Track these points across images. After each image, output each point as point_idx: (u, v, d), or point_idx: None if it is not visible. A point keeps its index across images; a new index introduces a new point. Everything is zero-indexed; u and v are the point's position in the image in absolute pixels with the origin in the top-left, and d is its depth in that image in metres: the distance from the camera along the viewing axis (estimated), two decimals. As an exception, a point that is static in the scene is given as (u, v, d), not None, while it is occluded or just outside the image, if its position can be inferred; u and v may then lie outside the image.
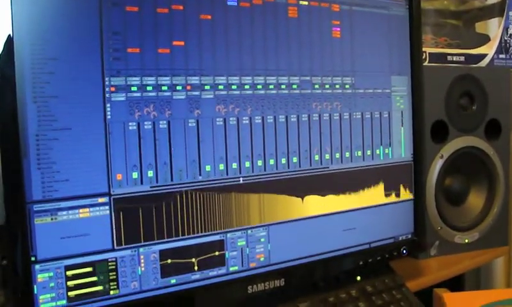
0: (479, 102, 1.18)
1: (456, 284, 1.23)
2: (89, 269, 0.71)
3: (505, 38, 1.28)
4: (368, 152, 0.94)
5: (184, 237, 0.77)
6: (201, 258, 0.79)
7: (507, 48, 1.28)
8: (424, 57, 1.15)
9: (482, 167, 1.20)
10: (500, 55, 1.27)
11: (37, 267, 0.67)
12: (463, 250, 1.18)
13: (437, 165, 1.13)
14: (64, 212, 0.69)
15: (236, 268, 0.82)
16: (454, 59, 1.21)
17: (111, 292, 0.72)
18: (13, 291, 0.68)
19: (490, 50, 1.26)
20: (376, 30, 0.95)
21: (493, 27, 1.38)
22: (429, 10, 1.28)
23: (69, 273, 0.69)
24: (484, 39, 1.30)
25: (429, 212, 1.12)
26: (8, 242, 0.67)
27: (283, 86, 0.85)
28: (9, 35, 0.64)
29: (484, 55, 1.25)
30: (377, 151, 0.95)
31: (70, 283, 0.69)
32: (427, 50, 1.18)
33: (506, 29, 1.28)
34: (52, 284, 0.68)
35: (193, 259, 0.78)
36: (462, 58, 1.22)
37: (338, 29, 0.90)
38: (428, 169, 1.12)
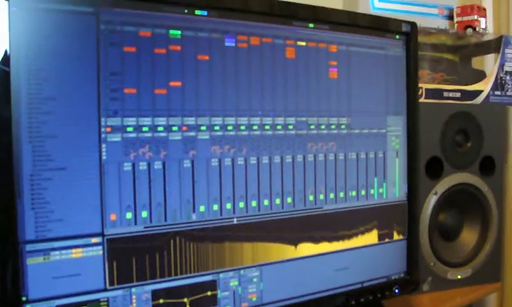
0: (474, 138, 1.18)
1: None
2: (80, 309, 0.71)
3: (501, 75, 1.29)
4: (363, 192, 0.94)
5: (176, 277, 0.77)
6: (194, 298, 0.79)
7: (503, 85, 1.29)
8: (420, 93, 1.16)
9: (476, 203, 1.20)
10: (496, 92, 1.28)
11: (28, 307, 0.67)
12: (456, 286, 1.18)
13: (431, 201, 1.13)
14: (57, 252, 0.69)
15: (228, 308, 0.82)
16: (450, 95, 1.22)
17: (102, 332, 0.72)
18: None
19: (486, 87, 1.27)
20: (373, 70, 0.95)
21: (490, 63, 1.39)
22: (425, 45, 1.29)
23: (60, 313, 0.69)
24: (480, 75, 1.31)
25: (422, 247, 1.12)
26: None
27: (278, 127, 0.85)
28: (6, 73, 0.64)
29: (479, 92, 1.26)
30: (372, 191, 0.96)
31: (61, 323, 0.69)
32: (424, 86, 1.19)
33: (502, 66, 1.29)
34: (42, 325, 0.68)
35: (185, 300, 0.78)
36: (458, 94, 1.23)
37: (336, 69, 0.91)
38: (422, 205, 1.12)
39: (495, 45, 1.32)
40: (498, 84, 1.28)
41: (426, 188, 1.13)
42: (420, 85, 1.16)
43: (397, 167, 0.99)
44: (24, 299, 0.67)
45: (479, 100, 1.26)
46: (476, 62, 1.44)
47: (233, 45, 0.81)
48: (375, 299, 0.96)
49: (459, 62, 1.36)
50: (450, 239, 1.21)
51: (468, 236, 1.21)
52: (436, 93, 1.20)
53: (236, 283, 0.83)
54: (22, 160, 0.65)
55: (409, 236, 1.01)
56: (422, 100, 1.17)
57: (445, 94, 1.21)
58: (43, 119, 0.66)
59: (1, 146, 0.65)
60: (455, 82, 1.26)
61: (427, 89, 1.18)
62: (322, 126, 0.89)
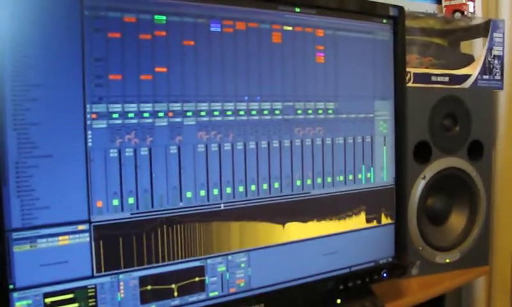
0: (462, 123, 1.19)
1: (436, 306, 1.24)
2: (68, 296, 0.71)
3: (489, 59, 1.29)
4: (350, 177, 0.95)
5: (164, 263, 0.77)
6: (181, 284, 0.79)
7: (491, 70, 1.29)
8: (408, 77, 1.16)
9: (464, 187, 1.21)
10: (484, 76, 1.28)
11: (15, 294, 0.67)
12: (444, 270, 1.19)
13: (419, 186, 1.14)
14: (44, 240, 0.68)
15: (216, 293, 0.82)
16: (439, 79, 1.22)
17: (90, 319, 0.72)
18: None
19: (474, 71, 1.27)
20: (360, 55, 0.95)
21: (478, 47, 1.39)
22: (414, 29, 1.29)
23: (48, 300, 0.69)
24: (469, 59, 1.31)
25: (410, 231, 1.13)
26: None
27: (265, 112, 0.85)
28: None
29: (468, 76, 1.26)
30: (359, 176, 0.96)
31: (49, 310, 0.69)
32: (412, 70, 1.18)
33: (490, 50, 1.29)
34: (30, 312, 0.68)
35: (173, 285, 0.78)
36: (446, 78, 1.23)
37: (322, 54, 0.90)
38: (410, 189, 1.13)
39: (483, 29, 1.32)
40: (487, 68, 1.29)
41: (414, 172, 1.14)
42: (408, 69, 1.16)
43: (385, 152, 0.99)
44: (11, 287, 0.67)
45: (467, 84, 1.26)
46: (464, 46, 1.44)
47: (219, 30, 0.80)
48: (363, 283, 0.96)
49: (447, 46, 1.36)
50: (439, 223, 1.21)
51: (457, 221, 1.22)
52: (424, 77, 1.20)
53: (224, 268, 0.83)
54: (7, 148, 0.65)
55: (397, 221, 1.01)
56: (410, 84, 1.17)
57: (433, 78, 1.21)
58: (28, 106, 0.66)
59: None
60: (443, 67, 1.26)
61: (415, 74, 1.18)
62: (309, 111, 0.89)
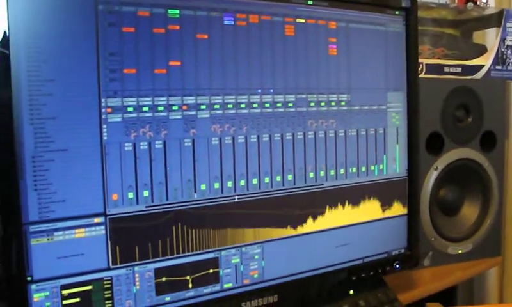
0: (475, 113, 1.18)
1: (448, 297, 1.24)
2: (85, 288, 0.71)
3: (502, 49, 1.28)
4: (363, 168, 0.95)
5: (178, 255, 0.78)
6: (196, 275, 0.80)
7: (504, 60, 1.28)
8: (420, 68, 1.16)
9: (476, 178, 1.20)
10: (497, 67, 1.28)
11: (33, 286, 0.68)
12: (456, 260, 1.19)
13: (432, 177, 1.14)
14: (61, 232, 0.69)
15: (230, 285, 0.83)
16: (451, 70, 1.21)
17: (106, 311, 0.73)
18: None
19: (487, 61, 1.26)
20: (373, 46, 0.95)
21: (491, 38, 1.38)
22: (426, 19, 1.28)
23: (65, 292, 0.70)
24: (482, 50, 1.30)
25: (423, 222, 1.13)
26: (3, 261, 0.68)
27: (278, 104, 0.85)
28: (6, 56, 0.64)
29: (480, 67, 1.25)
30: (372, 168, 0.96)
31: (66, 302, 0.70)
32: (424, 61, 1.18)
33: (503, 40, 1.29)
34: (48, 304, 0.69)
35: (188, 277, 0.79)
36: (459, 69, 1.22)
37: (335, 46, 0.90)
38: (423, 180, 1.13)
39: (496, 19, 1.32)
40: (499, 59, 1.28)
41: (427, 163, 1.14)
42: (420, 60, 1.16)
43: (398, 143, 0.99)
44: (29, 279, 0.68)
45: (480, 74, 1.26)
46: (477, 36, 1.43)
47: (232, 23, 0.81)
48: (376, 275, 0.97)
49: (460, 37, 1.35)
50: (451, 214, 1.21)
51: (469, 211, 1.22)
52: (437, 68, 1.20)
53: (238, 260, 0.83)
54: (24, 142, 0.66)
55: (409, 212, 1.01)
56: (422, 75, 1.17)
57: (446, 69, 1.21)
58: (44, 100, 0.67)
59: (3, 128, 0.65)
60: (456, 57, 1.25)
61: (427, 65, 1.18)
62: (322, 103, 0.90)
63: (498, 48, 1.28)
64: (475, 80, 1.24)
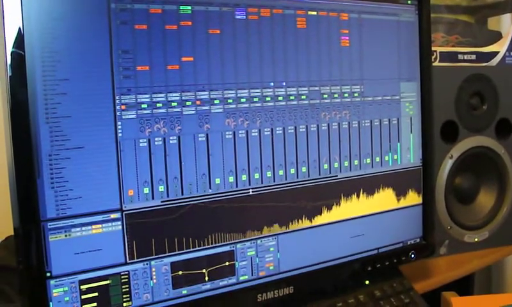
0: (490, 101, 1.18)
1: (465, 286, 1.24)
2: (103, 283, 0.73)
3: (517, 35, 1.27)
4: (377, 159, 0.95)
5: (194, 249, 0.79)
6: (212, 268, 0.81)
7: (519, 46, 1.27)
8: (434, 56, 1.15)
9: (492, 166, 1.20)
10: (512, 53, 1.26)
11: (52, 282, 0.69)
12: (473, 249, 1.19)
13: (447, 165, 1.14)
14: (78, 229, 0.70)
15: (246, 277, 0.84)
16: (465, 57, 1.20)
17: (124, 305, 0.74)
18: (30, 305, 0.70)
19: (502, 48, 1.25)
20: (385, 37, 0.95)
21: (506, 24, 1.37)
22: (440, 6, 1.27)
23: (83, 287, 0.71)
24: (496, 36, 1.29)
25: (438, 211, 1.13)
26: (23, 258, 0.69)
27: (291, 97, 0.85)
28: (21, 56, 0.65)
29: (495, 53, 1.24)
30: (386, 158, 0.96)
31: (84, 297, 0.72)
32: (438, 49, 1.17)
33: (518, 26, 1.27)
34: (67, 299, 0.70)
35: (204, 270, 0.80)
36: (473, 56, 1.21)
37: (347, 37, 0.90)
38: (438, 169, 1.13)
39: (510, 4, 1.30)
40: (514, 45, 1.27)
41: (442, 152, 1.13)
42: (434, 48, 1.15)
43: (412, 133, 0.99)
44: (48, 274, 0.69)
45: (495, 61, 1.24)
46: (492, 23, 1.42)
47: (244, 17, 0.81)
48: (391, 265, 0.97)
49: (474, 23, 1.34)
50: (467, 202, 1.21)
51: (485, 199, 1.21)
52: (451, 56, 1.19)
53: (253, 252, 0.84)
54: (40, 141, 0.67)
55: (424, 201, 1.01)
56: (436, 63, 1.16)
57: (460, 57, 1.20)
58: (59, 100, 0.68)
59: (20, 127, 0.66)
60: (470, 44, 1.24)
61: (441, 53, 1.17)
62: (335, 95, 0.90)
63: (513, 34, 1.27)
64: (490, 67, 1.23)
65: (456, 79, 1.14)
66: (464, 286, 1.22)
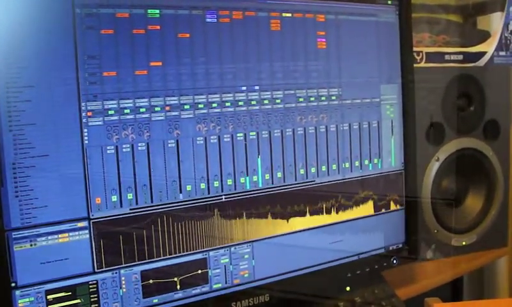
0: (477, 102, 1.16)
1: (454, 290, 1.22)
2: (70, 293, 0.71)
3: (506, 35, 1.25)
4: (357, 163, 0.93)
5: (165, 257, 0.77)
6: (184, 277, 0.79)
7: (508, 45, 1.25)
8: (420, 57, 1.14)
9: (480, 168, 1.18)
10: (501, 53, 1.24)
11: (17, 292, 0.68)
12: (461, 252, 1.17)
13: (433, 168, 1.12)
14: (44, 238, 0.69)
15: (220, 285, 0.83)
16: (452, 57, 1.18)
17: (93, 314, 0.73)
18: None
19: (490, 48, 1.23)
20: (364, 38, 0.93)
21: (495, 23, 1.35)
22: (428, 6, 1.26)
23: (50, 297, 0.70)
24: (484, 36, 1.27)
25: (424, 215, 1.11)
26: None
27: (265, 101, 0.84)
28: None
29: (483, 53, 1.22)
30: (366, 162, 0.94)
31: (51, 307, 0.70)
32: (424, 49, 1.16)
33: (507, 25, 1.25)
34: (33, 309, 0.69)
35: (175, 279, 0.79)
36: (460, 57, 1.19)
37: (324, 39, 0.89)
38: (424, 171, 1.11)
39: (499, 3, 1.28)
40: (503, 44, 1.25)
41: (428, 154, 1.12)
42: (420, 49, 1.14)
43: (393, 137, 0.98)
44: (13, 285, 0.68)
45: (483, 61, 1.22)
46: (481, 23, 1.39)
47: (215, 20, 0.79)
48: (372, 270, 0.95)
49: (462, 23, 1.32)
50: (455, 205, 1.19)
51: (473, 202, 1.20)
52: (437, 57, 1.17)
53: (227, 260, 0.83)
54: (4, 149, 0.66)
55: (407, 206, 1.00)
56: (422, 64, 1.14)
57: (447, 57, 1.18)
58: (23, 107, 0.66)
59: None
60: (457, 44, 1.23)
61: (427, 53, 1.15)
62: (312, 98, 0.88)
63: (502, 33, 1.25)
64: (478, 68, 1.21)
65: (442, 80, 1.13)
66: (453, 291, 1.20)
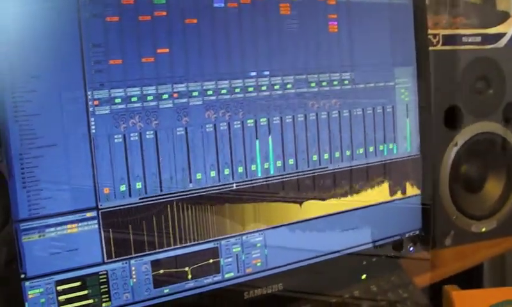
0: (496, 84, 1.12)
1: (475, 277, 1.20)
2: (79, 283, 0.71)
3: (526, 15, 1.21)
4: (371, 149, 0.91)
5: (175, 247, 0.77)
6: (195, 266, 0.78)
7: (528, 26, 1.21)
8: (437, 39, 1.11)
9: (500, 152, 1.15)
10: (520, 33, 1.21)
11: (27, 283, 0.68)
12: (480, 239, 1.14)
13: (451, 153, 1.09)
14: (52, 229, 0.69)
15: (232, 274, 0.81)
16: (470, 40, 1.15)
17: (103, 305, 0.73)
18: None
19: (509, 29, 1.19)
20: (377, 21, 0.91)
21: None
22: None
23: (60, 288, 0.70)
24: (504, 16, 1.23)
25: (443, 201, 1.08)
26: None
27: (276, 87, 0.82)
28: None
29: (502, 35, 1.19)
30: (381, 147, 0.92)
31: (61, 298, 0.70)
32: (441, 32, 1.13)
33: (527, 4, 1.22)
34: (42, 300, 0.69)
35: (186, 268, 0.78)
36: (478, 38, 1.16)
37: (335, 23, 0.87)
38: (442, 157, 1.08)
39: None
40: (523, 25, 1.21)
41: (446, 139, 1.09)
42: (437, 31, 1.11)
43: (408, 121, 0.95)
44: (22, 276, 0.67)
45: (502, 43, 1.19)
46: (501, 3, 1.36)
47: (223, 5, 0.78)
48: (388, 258, 0.93)
49: (481, 3, 1.29)
50: (474, 191, 1.16)
51: (493, 187, 1.16)
52: (455, 39, 1.14)
53: (239, 249, 0.82)
54: (10, 141, 0.65)
55: (423, 192, 0.97)
56: (439, 47, 1.11)
57: (464, 39, 1.15)
58: (28, 97, 0.66)
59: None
60: (476, 26, 1.19)
61: (444, 35, 1.12)
62: (324, 83, 0.86)
63: (522, 13, 1.21)
64: (497, 49, 1.17)
65: (460, 63, 1.09)
66: (473, 278, 1.18)
